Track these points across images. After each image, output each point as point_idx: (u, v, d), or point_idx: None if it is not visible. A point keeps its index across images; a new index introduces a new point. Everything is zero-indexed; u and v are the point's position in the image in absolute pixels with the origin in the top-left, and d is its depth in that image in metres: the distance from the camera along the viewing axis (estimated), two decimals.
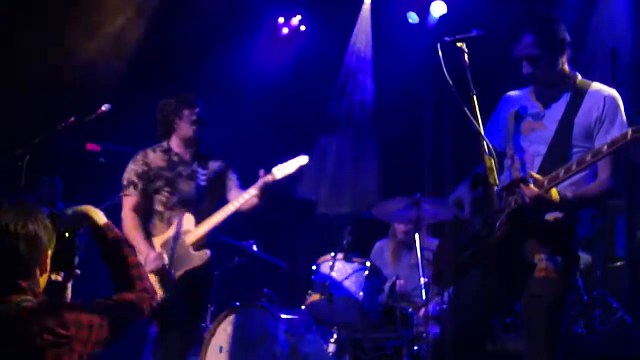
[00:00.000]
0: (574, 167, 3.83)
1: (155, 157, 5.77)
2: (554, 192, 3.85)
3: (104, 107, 5.21)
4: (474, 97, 3.92)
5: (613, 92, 4.14)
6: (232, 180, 6.07)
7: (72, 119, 5.14)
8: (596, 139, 4.03)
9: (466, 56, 4.01)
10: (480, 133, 3.85)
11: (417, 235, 6.76)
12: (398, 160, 10.02)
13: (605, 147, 3.74)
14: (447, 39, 4.03)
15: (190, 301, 5.66)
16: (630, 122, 4.02)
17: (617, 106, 4.08)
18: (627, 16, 8.71)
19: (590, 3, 9.05)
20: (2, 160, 5.15)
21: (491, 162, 3.79)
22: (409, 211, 6.88)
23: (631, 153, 6.11)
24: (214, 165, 5.96)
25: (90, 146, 6.23)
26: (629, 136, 3.66)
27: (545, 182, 3.85)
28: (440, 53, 3.95)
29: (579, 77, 4.24)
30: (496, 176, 3.79)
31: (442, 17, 9.87)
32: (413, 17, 10.07)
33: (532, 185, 3.82)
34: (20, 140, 5.16)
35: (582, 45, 8.69)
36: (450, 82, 3.91)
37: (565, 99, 4.16)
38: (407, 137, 9.94)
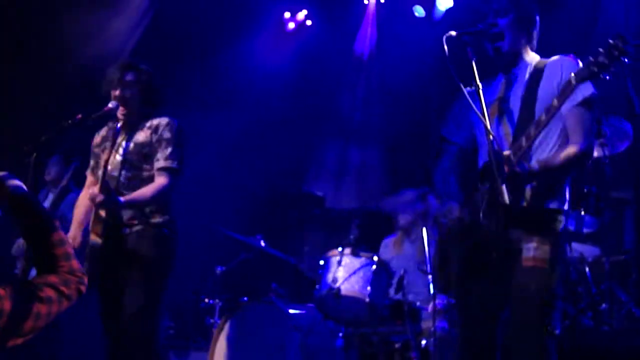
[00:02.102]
0: (532, 131, 3.81)
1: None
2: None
3: (110, 105, 5.20)
4: (480, 91, 3.91)
5: (569, 57, 4.07)
6: None
7: (79, 116, 5.14)
8: (563, 106, 3.93)
9: (471, 50, 4.00)
10: (486, 127, 3.83)
11: (424, 230, 6.76)
12: (405, 154, 10.02)
13: (556, 100, 3.74)
14: (453, 33, 4.02)
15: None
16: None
17: (576, 66, 3.92)
18: (634, 14, 8.69)
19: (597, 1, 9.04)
20: (10, 158, 5.15)
21: (498, 157, 3.77)
22: (416, 205, 6.90)
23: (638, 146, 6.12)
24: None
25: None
26: (573, 81, 3.65)
27: (512, 157, 3.80)
28: (446, 48, 3.93)
29: (538, 57, 4.26)
30: (502, 170, 3.77)
31: (449, 10, 9.87)
32: (419, 11, 10.07)
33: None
34: (27, 139, 5.17)
35: (588, 43, 8.68)
36: (456, 76, 3.89)
37: (525, 77, 4.16)
38: (413, 131, 9.94)
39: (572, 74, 3.68)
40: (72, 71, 8.84)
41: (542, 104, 3.96)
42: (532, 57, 4.27)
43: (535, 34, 4.30)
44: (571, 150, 3.92)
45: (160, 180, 5.09)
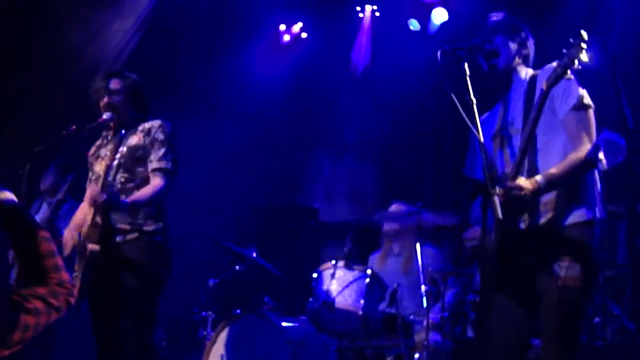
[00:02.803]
0: (522, 144, 3.85)
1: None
2: (522, 180, 3.80)
3: (105, 116, 5.20)
4: (474, 105, 3.92)
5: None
6: None
7: (74, 127, 5.14)
8: (558, 111, 4.01)
9: (467, 65, 4.01)
10: (480, 141, 3.84)
11: (418, 244, 6.76)
12: (400, 168, 10.03)
13: (534, 112, 3.80)
14: (447, 47, 4.03)
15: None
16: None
17: (561, 70, 3.92)
18: (631, 20, 8.71)
19: (594, 8, 9.05)
20: (9, 159, 5.16)
21: (492, 171, 3.78)
22: (411, 219, 6.90)
23: (633, 164, 6.13)
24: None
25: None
26: (544, 87, 3.78)
27: (509, 170, 3.86)
28: (440, 62, 3.94)
29: (532, 71, 4.29)
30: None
31: (444, 24, 9.89)
32: (414, 24, 10.09)
33: (497, 189, 3.77)
34: (21, 149, 5.18)
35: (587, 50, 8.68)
36: (450, 91, 3.90)
37: (522, 96, 4.17)
38: (408, 145, 9.95)
39: (544, 82, 3.77)
40: (72, 77, 8.84)
41: (543, 116, 3.93)
42: (526, 73, 4.29)
43: (530, 53, 4.33)
44: (574, 156, 3.91)
45: (156, 181, 5.08)
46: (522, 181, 3.80)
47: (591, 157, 3.91)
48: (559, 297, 3.88)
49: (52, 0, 9.08)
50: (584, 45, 3.68)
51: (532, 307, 4.00)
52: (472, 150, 4.45)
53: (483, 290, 4.11)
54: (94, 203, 4.87)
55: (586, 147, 3.91)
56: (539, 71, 4.20)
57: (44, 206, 7.91)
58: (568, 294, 3.87)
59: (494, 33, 4.23)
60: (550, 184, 3.86)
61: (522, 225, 3.93)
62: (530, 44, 4.34)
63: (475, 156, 4.30)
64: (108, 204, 4.85)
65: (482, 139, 3.88)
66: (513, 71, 4.27)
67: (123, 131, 5.17)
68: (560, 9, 8.92)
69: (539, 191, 3.85)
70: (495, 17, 4.31)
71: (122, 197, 5.00)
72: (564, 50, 3.69)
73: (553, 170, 3.89)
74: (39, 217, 7.76)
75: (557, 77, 3.73)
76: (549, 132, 4.02)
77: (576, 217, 3.96)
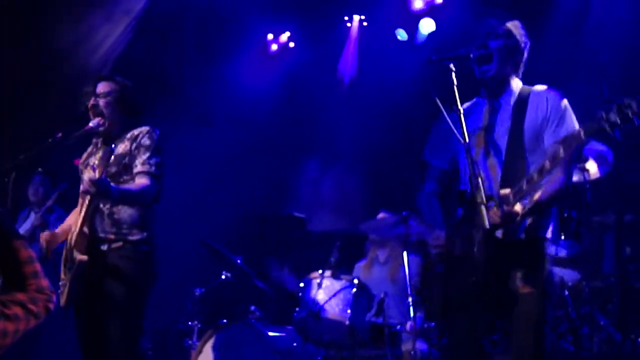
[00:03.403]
0: (535, 177, 3.83)
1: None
2: (518, 206, 3.87)
3: (92, 123, 5.17)
4: (461, 115, 3.91)
5: (554, 92, 4.18)
6: None
7: (60, 134, 5.11)
8: (546, 139, 4.07)
9: (453, 75, 4.00)
10: (467, 151, 3.83)
11: (405, 253, 6.76)
12: (387, 177, 10.02)
13: (561, 150, 3.74)
14: (434, 57, 4.02)
15: None
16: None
17: (561, 102, 4.11)
18: (619, 28, 8.75)
19: (582, 16, 9.09)
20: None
21: (479, 181, 3.77)
22: (397, 228, 6.90)
23: (620, 175, 6.15)
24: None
25: (79, 162, 6.20)
26: (582, 136, 3.67)
27: (511, 198, 3.86)
28: (426, 72, 3.94)
29: (521, 84, 4.32)
30: (483, 194, 3.76)
31: (431, 34, 9.91)
32: (402, 35, 10.11)
33: (494, 209, 3.84)
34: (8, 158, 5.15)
35: (573, 58, 8.73)
36: (437, 100, 3.90)
37: (510, 106, 4.21)
38: (395, 154, 9.95)
39: (581, 131, 3.68)
40: (62, 81, 8.82)
41: (529, 137, 4.06)
42: (516, 85, 4.31)
43: (522, 64, 4.34)
44: (556, 185, 3.99)
45: (142, 181, 5.04)
46: (518, 207, 3.88)
47: (568, 188, 4.07)
48: (528, 307, 4.00)
49: (45, 1, 9.08)
50: (636, 112, 3.55)
51: (501, 315, 4.11)
52: (435, 136, 4.46)
53: (459, 296, 4.09)
54: (89, 184, 4.79)
55: (564, 176, 4.01)
56: (530, 88, 4.25)
57: (32, 215, 7.88)
58: (533, 301, 4.00)
59: (490, 38, 4.23)
60: (536, 209, 3.99)
61: (499, 236, 3.97)
62: (527, 48, 4.34)
63: (440, 144, 4.39)
64: (100, 186, 4.78)
65: (469, 149, 3.87)
66: (505, 80, 4.28)
67: (113, 145, 5.11)
68: (549, 17, 8.96)
69: (525, 215, 3.95)
70: (494, 20, 4.29)
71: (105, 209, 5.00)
72: (613, 106, 3.58)
73: (538, 196, 3.96)
74: (27, 226, 7.74)
75: (599, 131, 3.62)
76: (535, 153, 4.10)
77: (543, 232, 4.11)
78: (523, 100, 4.19)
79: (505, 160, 4.10)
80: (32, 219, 7.82)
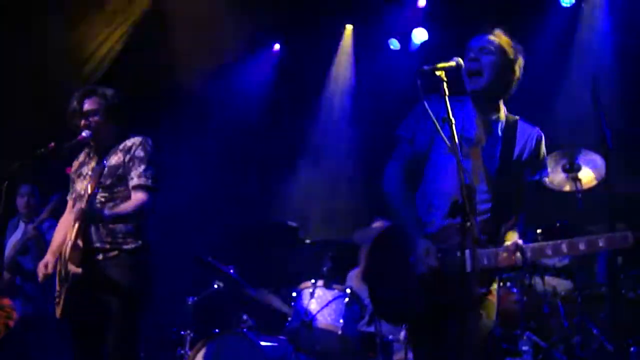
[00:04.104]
0: (564, 249, 3.92)
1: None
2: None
3: (84, 134, 5.17)
4: (453, 125, 3.91)
5: (540, 133, 4.32)
6: None
7: (52, 144, 5.11)
8: (525, 174, 4.23)
9: (445, 85, 4.00)
10: (458, 162, 3.82)
11: None
12: (380, 186, 10.02)
13: (601, 242, 3.86)
14: (426, 67, 4.02)
15: None
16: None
17: (543, 144, 4.29)
18: (608, 42, 8.79)
19: (572, 30, 9.13)
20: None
21: (469, 191, 3.76)
22: None
23: (612, 183, 6.16)
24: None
25: (70, 170, 6.20)
26: (630, 240, 3.80)
27: (529, 254, 3.94)
28: (418, 82, 3.93)
29: (505, 110, 4.38)
30: (474, 204, 3.77)
31: (423, 43, 9.92)
32: (394, 44, 10.13)
33: (506, 255, 3.94)
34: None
35: (564, 70, 8.76)
36: (429, 110, 3.90)
37: (499, 132, 4.28)
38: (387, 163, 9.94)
39: (630, 235, 3.80)
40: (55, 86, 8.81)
41: (515, 168, 4.20)
42: (503, 110, 4.36)
43: (514, 86, 4.34)
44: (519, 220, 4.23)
45: (138, 196, 5.05)
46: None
47: None
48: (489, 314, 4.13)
49: (40, 6, 9.09)
50: None
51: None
52: (415, 116, 4.46)
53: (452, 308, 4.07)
54: (78, 215, 4.81)
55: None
56: (515, 118, 4.32)
57: (22, 225, 7.86)
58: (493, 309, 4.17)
59: (483, 52, 4.25)
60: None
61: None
62: (520, 68, 4.34)
63: (420, 125, 4.38)
64: (90, 214, 4.80)
65: (460, 159, 3.86)
66: (494, 99, 4.33)
67: (105, 162, 5.10)
68: (540, 26, 9.00)
69: None
70: (490, 36, 4.31)
71: (106, 211, 5.00)
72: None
73: (517, 235, 4.13)
74: (18, 235, 7.72)
75: None
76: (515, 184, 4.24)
77: None
78: (511, 129, 4.27)
79: (495, 190, 4.18)
80: (22, 228, 7.80)
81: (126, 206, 5.03)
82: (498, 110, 4.32)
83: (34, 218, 7.64)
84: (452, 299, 3.91)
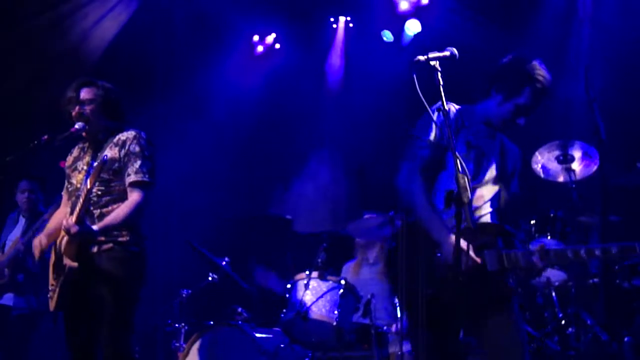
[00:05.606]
0: (582, 254, 4.03)
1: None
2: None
3: (77, 126, 5.15)
4: (447, 116, 3.91)
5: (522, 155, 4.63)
6: None
7: (45, 137, 5.10)
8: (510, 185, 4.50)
9: (439, 75, 4.00)
10: (453, 151, 3.82)
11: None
12: (373, 178, 10.03)
13: (614, 250, 3.96)
14: (420, 58, 4.02)
15: None
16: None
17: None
18: (603, 34, 8.81)
19: (567, 25, 9.15)
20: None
21: (464, 181, 3.76)
22: (384, 229, 6.89)
23: (605, 175, 6.18)
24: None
25: (64, 164, 6.19)
26: (638, 250, 3.91)
27: (552, 256, 4.07)
28: (413, 72, 3.93)
29: None
30: (469, 194, 3.76)
31: (417, 35, 9.92)
32: (388, 36, 10.12)
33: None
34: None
35: (559, 62, 8.77)
36: (424, 100, 3.90)
37: (498, 149, 4.49)
38: (381, 155, 9.95)
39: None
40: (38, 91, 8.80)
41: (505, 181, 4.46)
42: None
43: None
44: None
45: (134, 197, 5.04)
46: None
47: None
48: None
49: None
50: None
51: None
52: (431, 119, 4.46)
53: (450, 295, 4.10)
54: (68, 234, 4.82)
55: None
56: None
57: (21, 220, 7.87)
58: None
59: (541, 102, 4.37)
60: None
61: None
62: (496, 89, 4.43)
63: (430, 123, 4.37)
64: (80, 237, 4.81)
65: (455, 150, 3.87)
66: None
67: (105, 156, 5.09)
68: (534, 20, 9.00)
69: None
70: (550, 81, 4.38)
71: (95, 212, 5.02)
72: None
73: None
74: (18, 231, 7.75)
75: None
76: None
77: None
78: (503, 145, 4.53)
79: (498, 202, 4.42)
80: (22, 223, 7.81)
81: (118, 213, 5.00)
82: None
83: (36, 214, 7.66)
84: (490, 292, 4.08)
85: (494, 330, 4.14)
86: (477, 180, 4.35)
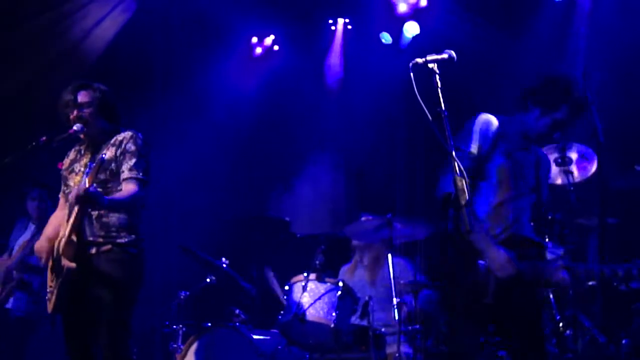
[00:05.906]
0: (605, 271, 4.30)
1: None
2: None
3: (75, 127, 5.15)
4: (445, 117, 3.91)
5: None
6: None
7: (44, 138, 5.11)
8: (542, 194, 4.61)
9: (437, 77, 4.00)
10: (450, 154, 3.83)
11: (389, 256, 6.76)
12: (371, 180, 10.03)
13: (636, 271, 4.24)
14: (418, 60, 4.02)
15: None
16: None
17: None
18: (601, 36, 8.81)
19: (565, 25, 9.14)
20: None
21: (462, 183, 3.76)
22: (382, 231, 6.89)
23: (604, 177, 6.18)
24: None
25: (62, 165, 6.19)
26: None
27: (582, 274, 4.39)
28: (411, 75, 3.93)
29: None
30: (467, 196, 3.77)
31: (415, 37, 9.92)
32: (386, 38, 10.12)
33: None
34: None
35: (558, 65, 8.77)
36: (422, 103, 3.89)
37: (534, 160, 4.62)
38: (380, 157, 9.96)
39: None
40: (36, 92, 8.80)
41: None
42: None
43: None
44: None
45: (130, 187, 5.05)
46: None
47: None
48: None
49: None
50: None
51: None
52: (473, 130, 4.50)
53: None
54: (77, 196, 4.77)
55: None
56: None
57: (31, 227, 7.92)
58: None
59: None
60: None
61: None
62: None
63: (471, 134, 4.44)
64: (91, 197, 4.77)
65: (453, 152, 3.87)
66: None
67: (104, 155, 5.08)
68: (533, 22, 9.01)
69: None
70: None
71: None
72: None
73: None
74: (26, 236, 7.79)
75: None
76: None
77: None
78: (537, 156, 4.67)
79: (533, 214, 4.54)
80: (31, 229, 7.87)
81: (120, 194, 5.03)
82: None
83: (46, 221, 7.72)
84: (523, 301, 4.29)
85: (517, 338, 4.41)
86: (517, 190, 4.43)
